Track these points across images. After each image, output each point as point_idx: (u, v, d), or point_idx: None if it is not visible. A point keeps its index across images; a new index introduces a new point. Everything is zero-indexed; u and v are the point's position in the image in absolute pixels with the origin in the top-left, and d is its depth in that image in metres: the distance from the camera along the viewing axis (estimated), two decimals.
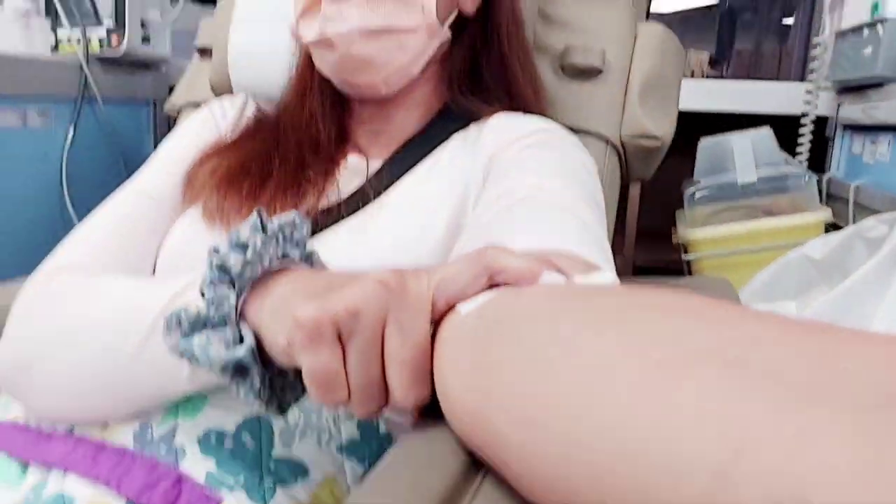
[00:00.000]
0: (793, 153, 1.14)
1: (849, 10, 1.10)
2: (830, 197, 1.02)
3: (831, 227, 0.95)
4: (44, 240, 1.23)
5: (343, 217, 0.61)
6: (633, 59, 0.86)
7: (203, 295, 0.40)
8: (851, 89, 1.09)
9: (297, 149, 0.66)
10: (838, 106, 1.13)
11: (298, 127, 0.68)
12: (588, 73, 0.85)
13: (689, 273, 1.00)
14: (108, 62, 1.35)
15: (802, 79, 1.97)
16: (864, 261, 0.76)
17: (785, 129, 1.17)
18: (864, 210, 0.93)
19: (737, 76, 2.70)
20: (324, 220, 0.60)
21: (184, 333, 0.39)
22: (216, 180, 0.63)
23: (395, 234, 0.59)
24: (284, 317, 0.36)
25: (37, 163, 1.23)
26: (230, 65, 0.88)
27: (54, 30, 1.31)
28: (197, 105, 1.02)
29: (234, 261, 0.40)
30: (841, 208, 1.01)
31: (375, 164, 0.67)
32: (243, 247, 0.41)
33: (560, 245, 0.41)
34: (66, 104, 1.28)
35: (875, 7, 1.02)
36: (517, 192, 0.50)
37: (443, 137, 0.68)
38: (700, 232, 0.97)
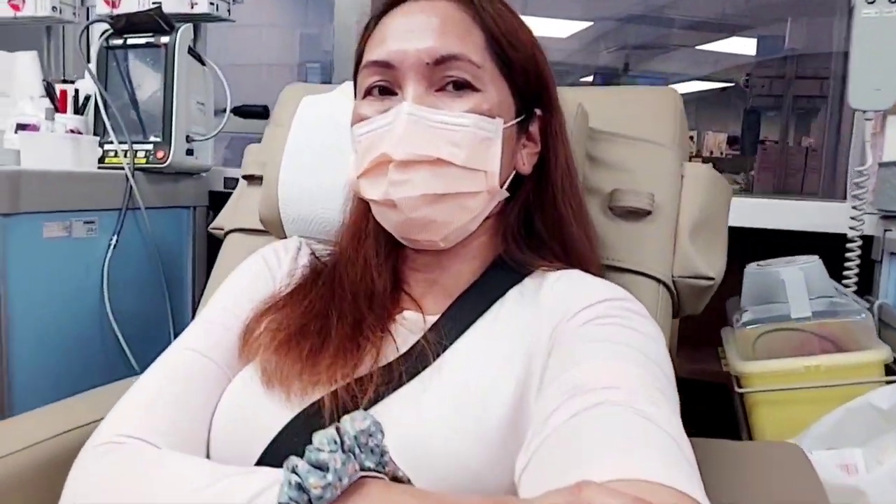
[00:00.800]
0: (835, 274, 1.12)
1: (890, 138, 1.11)
2: (883, 324, 1.00)
3: (891, 367, 0.92)
4: (85, 347, 1.26)
5: (404, 382, 0.60)
6: (682, 200, 0.86)
7: None
8: None
9: (353, 302, 0.66)
10: (885, 231, 1.12)
11: (354, 277, 0.68)
12: (637, 214, 0.85)
13: (742, 405, 0.98)
14: (153, 172, 1.38)
15: (834, 182, 2.00)
16: None
17: (825, 249, 1.16)
18: None
19: (763, 167, 2.75)
20: (384, 384, 0.59)
21: None
22: (275, 341, 0.63)
23: (458, 404, 0.57)
24: None
25: (80, 271, 1.25)
26: (281, 201, 0.89)
27: (101, 145, 1.35)
28: (242, 231, 1.03)
29: (315, 482, 0.39)
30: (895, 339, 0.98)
31: (431, 319, 0.66)
32: (323, 467, 0.40)
33: (649, 473, 0.39)
34: (111, 214, 1.30)
35: None
36: (591, 394, 0.48)
37: (499, 292, 0.67)
38: (754, 366, 0.95)
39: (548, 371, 0.57)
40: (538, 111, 0.70)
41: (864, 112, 1.12)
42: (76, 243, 1.23)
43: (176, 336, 1.43)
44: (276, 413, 0.58)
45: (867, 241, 1.17)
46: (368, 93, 0.66)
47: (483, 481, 0.54)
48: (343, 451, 0.41)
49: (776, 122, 2.70)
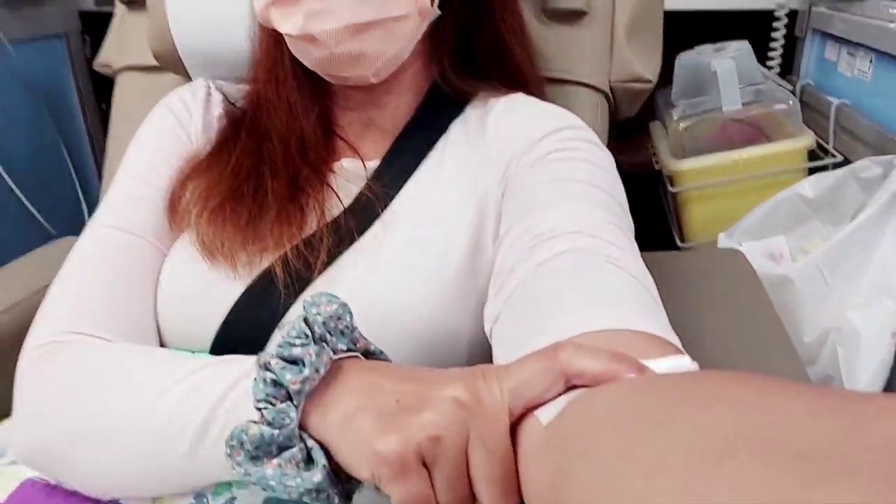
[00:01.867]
0: (759, 52, 1.11)
1: None
2: (805, 105, 1.02)
3: (814, 151, 0.95)
4: None
5: (355, 239, 0.57)
6: None
7: (259, 410, 0.38)
8: None
9: (284, 154, 0.61)
10: (810, 5, 1.10)
11: (280, 125, 0.62)
12: (573, 16, 0.79)
13: (673, 200, 1.00)
14: None
15: None
16: (858, 200, 0.78)
17: (747, 26, 1.14)
18: (845, 133, 0.93)
19: None
20: (334, 245, 0.56)
21: (248, 455, 0.38)
22: (208, 208, 0.58)
23: (414, 256, 0.55)
24: (360, 446, 0.35)
25: None
26: (173, 32, 0.78)
27: None
28: (136, 70, 0.91)
29: (292, 379, 0.37)
30: (817, 120, 1.01)
31: (371, 165, 0.62)
32: (297, 361, 0.38)
33: (622, 322, 0.39)
34: None
35: None
36: (555, 240, 0.47)
37: (440, 128, 0.63)
38: (685, 164, 0.96)
39: (505, 215, 0.55)
40: None
41: None
42: None
43: (80, 184, 1.32)
44: (225, 288, 0.55)
45: (791, 17, 1.15)
46: None
47: (445, 328, 0.54)
48: (315, 341, 0.39)
49: None
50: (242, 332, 0.54)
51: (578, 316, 0.40)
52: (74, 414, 0.47)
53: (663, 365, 0.35)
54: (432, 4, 0.58)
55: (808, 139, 0.94)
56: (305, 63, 0.59)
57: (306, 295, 0.54)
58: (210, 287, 0.56)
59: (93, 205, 1.38)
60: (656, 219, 1.14)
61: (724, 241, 0.87)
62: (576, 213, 0.49)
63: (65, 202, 1.32)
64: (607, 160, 0.57)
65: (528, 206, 0.52)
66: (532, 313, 0.44)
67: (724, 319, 0.58)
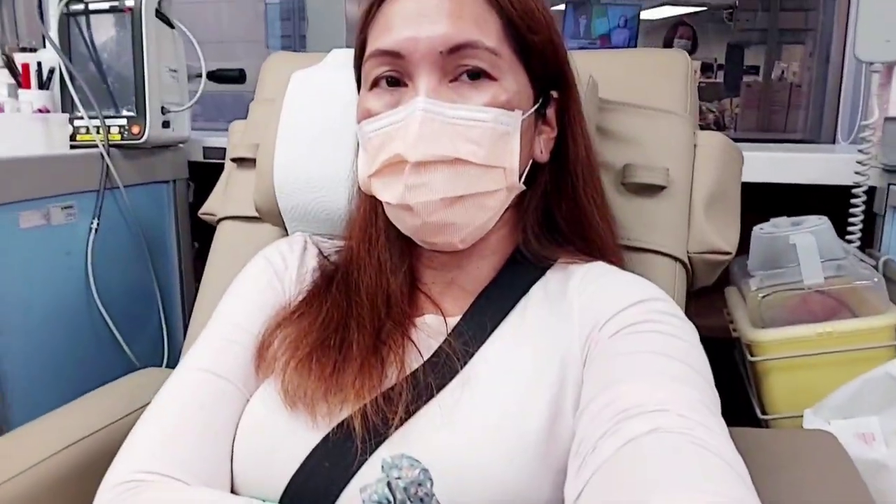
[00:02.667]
0: (837, 226, 1.11)
1: None
2: (888, 280, 1.00)
3: None
4: (74, 338, 1.21)
5: (433, 395, 0.57)
6: (696, 173, 0.83)
7: None
8: None
9: (371, 308, 0.63)
10: (889, 185, 1.11)
11: (369, 281, 0.65)
12: (651, 190, 0.82)
13: (753, 370, 0.98)
14: (129, 148, 1.31)
15: (821, 122, 1.97)
16: None
17: (825, 200, 1.15)
18: None
19: (748, 106, 2.71)
20: (412, 400, 0.57)
21: None
22: (294, 359, 0.60)
23: (492, 417, 0.55)
24: None
25: (62, 259, 1.19)
26: (277, 190, 0.85)
27: (71, 121, 1.27)
28: (237, 219, 0.98)
29: None
30: None
31: (452, 321, 0.63)
32: None
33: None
34: (89, 195, 1.24)
35: None
36: (641, 418, 0.46)
37: (522, 290, 0.65)
38: (767, 334, 0.94)
39: (587, 385, 0.55)
40: (554, 93, 0.66)
41: (871, 64, 1.09)
42: (56, 231, 1.17)
43: (166, 318, 1.38)
44: (303, 436, 0.56)
45: (870, 193, 1.15)
46: (375, 84, 0.61)
47: (522, 498, 0.52)
48: None
49: (760, 55, 2.64)
50: (315, 482, 0.54)
51: (669, 500, 0.39)
52: None
53: None
54: (520, 180, 0.62)
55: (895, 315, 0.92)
56: (401, 228, 0.63)
57: (383, 450, 0.54)
58: (288, 436, 0.56)
59: (174, 340, 1.45)
60: (734, 384, 1.11)
61: (810, 417, 0.83)
62: (661, 388, 0.49)
63: (149, 334, 1.39)
64: (691, 333, 0.57)
65: (610, 377, 0.52)
66: (618, 496, 0.43)
67: None
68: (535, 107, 0.63)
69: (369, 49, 0.61)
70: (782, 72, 2.67)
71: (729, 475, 0.42)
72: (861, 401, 0.81)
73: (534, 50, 0.61)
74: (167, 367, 1.34)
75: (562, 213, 0.68)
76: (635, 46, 2.24)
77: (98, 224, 1.24)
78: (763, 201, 1.11)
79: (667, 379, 0.50)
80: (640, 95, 0.86)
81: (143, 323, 1.38)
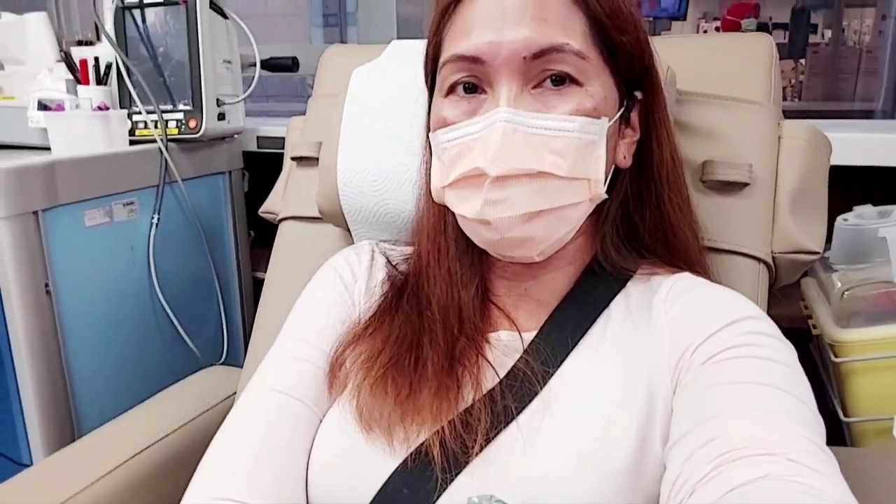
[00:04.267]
0: None
1: None
2: None
3: None
4: (140, 333, 1.23)
5: (512, 418, 0.55)
6: (780, 166, 0.78)
7: None
8: None
9: (443, 323, 0.61)
10: None
11: (440, 294, 0.63)
12: (733, 187, 0.77)
13: (836, 373, 0.93)
14: (186, 142, 1.31)
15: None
16: None
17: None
18: None
19: (812, 73, 2.57)
20: (492, 426, 0.55)
21: None
22: (370, 378, 0.58)
23: (577, 445, 0.53)
24: None
25: (126, 255, 1.20)
26: (341, 192, 0.83)
27: (130, 116, 1.27)
28: (298, 219, 0.97)
29: None
30: None
31: (527, 336, 0.61)
32: None
33: None
34: (149, 191, 1.25)
35: None
36: (746, 462, 0.43)
37: (602, 305, 0.62)
38: (853, 333, 0.89)
39: (678, 415, 0.51)
40: (638, 94, 0.62)
41: None
42: (119, 227, 1.18)
43: (225, 309, 1.39)
44: (380, 461, 0.55)
45: None
46: (451, 90, 0.58)
47: None
48: None
49: (826, 18, 2.50)
50: None
51: None
52: None
53: None
54: (604, 190, 0.59)
55: None
56: (476, 241, 0.60)
57: (462, 478, 0.53)
58: (365, 460, 0.55)
59: (234, 332, 1.46)
60: (811, 380, 1.06)
61: None
62: (766, 426, 0.45)
63: (209, 327, 1.40)
64: (791, 356, 0.53)
65: (707, 410, 0.48)
66: None
67: None
68: (620, 111, 0.59)
69: (446, 53, 0.58)
70: (854, 33, 2.52)
71: None
72: None
73: (621, 51, 0.57)
74: (226, 361, 1.35)
75: (643, 221, 0.64)
76: (686, 8, 2.13)
77: (159, 218, 1.25)
78: (844, 186, 1.04)
79: (773, 416, 0.46)
80: (721, 84, 0.81)
81: (203, 315, 1.39)
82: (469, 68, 0.56)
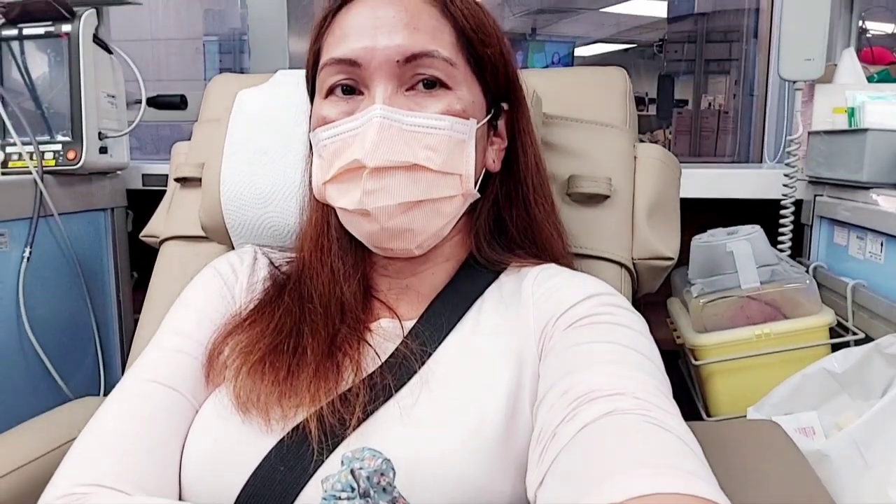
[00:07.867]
0: (769, 237, 1.16)
1: (818, 108, 1.15)
2: (819, 286, 1.05)
3: (834, 328, 0.97)
4: (3, 370, 1.16)
5: (391, 395, 0.57)
6: (637, 182, 0.87)
7: None
8: (826, 183, 1.14)
9: (324, 316, 0.63)
10: (815, 196, 1.17)
11: (322, 289, 0.65)
12: (596, 199, 0.85)
13: (697, 375, 1.00)
14: (64, 175, 1.28)
15: (749, 144, 2.08)
16: (887, 375, 0.78)
17: (755, 213, 1.20)
18: (863, 311, 0.95)
19: (680, 132, 2.83)
20: (370, 401, 0.56)
21: None
22: (247, 364, 0.59)
23: (451, 415, 0.55)
24: None
25: None
26: (224, 207, 0.83)
27: (3, 148, 1.23)
28: (180, 239, 0.96)
29: None
30: (833, 300, 1.03)
31: (408, 324, 0.64)
32: None
33: (673, 485, 0.39)
34: (22, 223, 1.20)
35: (851, 114, 1.08)
36: (598, 402, 0.47)
37: (476, 293, 0.66)
38: (708, 338, 0.97)
39: (543, 377, 0.55)
40: (505, 106, 0.68)
41: (794, 82, 1.16)
42: None
43: (102, 349, 1.33)
44: (256, 443, 0.55)
45: (797, 205, 1.22)
46: (331, 92, 0.62)
47: (484, 493, 0.52)
48: (360, 495, 0.38)
49: (689, 84, 2.78)
50: (270, 488, 0.53)
51: (630, 479, 0.40)
52: None
53: None
54: (475, 187, 0.64)
55: (828, 316, 0.96)
56: (356, 234, 0.63)
57: (340, 451, 0.54)
58: (240, 442, 0.55)
59: (111, 371, 1.40)
60: (680, 393, 1.13)
61: (753, 415, 0.86)
62: (615, 374, 0.50)
63: (85, 366, 1.34)
64: (640, 324, 0.58)
65: (565, 367, 0.53)
66: (578, 479, 0.43)
67: (772, 493, 0.56)
68: (488, 117, 0.65)
69: (325, 58, 0.62)
70: (709, 103, 2.80)
71: (684, 451, 0.43)
72: (800, 397, 0.84)
73: (486, 62, 0.63)
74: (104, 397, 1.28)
75: (513, 220, 0.69)
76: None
77: (31, 252, 1.19)
78: (700, 217, 1.16)
79: (621, 366, 0.51)
80: (582, 110, 0.89)
81: (78, 355, 1.32)
82: (347, 71, 0.60)
